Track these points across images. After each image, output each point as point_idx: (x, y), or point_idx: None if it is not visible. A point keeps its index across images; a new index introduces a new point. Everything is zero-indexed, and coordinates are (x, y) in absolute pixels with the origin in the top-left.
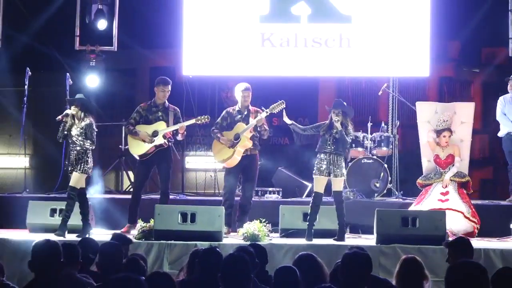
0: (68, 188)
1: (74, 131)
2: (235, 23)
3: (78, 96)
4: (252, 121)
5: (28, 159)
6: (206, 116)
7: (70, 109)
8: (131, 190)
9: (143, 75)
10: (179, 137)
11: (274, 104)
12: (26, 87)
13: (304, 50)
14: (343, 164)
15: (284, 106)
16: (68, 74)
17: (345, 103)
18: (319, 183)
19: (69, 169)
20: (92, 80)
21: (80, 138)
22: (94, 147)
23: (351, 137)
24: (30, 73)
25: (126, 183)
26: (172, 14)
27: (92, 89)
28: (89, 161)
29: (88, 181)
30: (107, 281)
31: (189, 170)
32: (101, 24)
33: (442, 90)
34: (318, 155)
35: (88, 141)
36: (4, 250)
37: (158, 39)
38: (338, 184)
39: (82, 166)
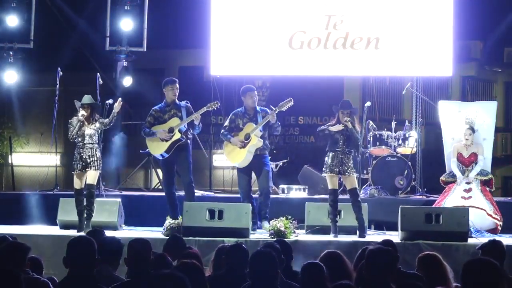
0: (89, 186)
1: (88, 132)
2: (262, 24)
3: (86, 98)
4: (262, 120)
5: (59, 157)
6: (215, 102)
7: (79, 110)
8: (160, 187)
9: (172, 75)
10: (196, 130)
11: (282, 102)
12: (57, 86)
13: (331, 51)
14: (352, 161)
15: (292, 104)
16: (98, 74)
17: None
18: (331, 181)
19: (79, 167)
20: (127, 81)
21: (94, 138)
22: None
23: (360, 135)
24: (61, 73)
25: (155, 181)
26: (200, 14)
27: (123, 88)
28: (100, 158)
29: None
30: (151, 277)
31: (217, 168)
32: (129, 25)
33: (465, 89)
34: (327, 154)
35: (100, 141)
36: (35, 246)
37: (186, 40)
38: (351, 181)
39: (98, 164)
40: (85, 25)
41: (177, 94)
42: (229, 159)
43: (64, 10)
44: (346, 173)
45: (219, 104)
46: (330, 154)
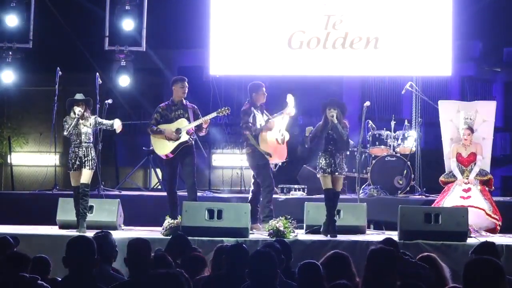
0: (83, 185)
1: (83, 130)
2: (261, 23)
3: (79, 95)
4: (286, 116)
5: (58, 157)
6: (226, 108)
7: (73, 108)
8: (159, 187)
9: (171, 75)
10: (203, 133)
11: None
12: (56, 86)
13: (330, 50)
14: (343, 162)
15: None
16: (97, 74)
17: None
18: (325, 181)
19: (74, 167)
20: (124, 80)
21: (90, 137)
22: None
23: (346, 130)
24: (60, 73)
25: (154, 181)
26: (199, 14)
27: (122, 88)
28: (95, 158)
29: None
30: (148, 277)
31: (216, 167)
32: (128, 25)
33: (464, 89)
34: (320, 154)
35: (99, 140)
36: (35, 246)
37: (185, 39)
38: (339, 183)
39: (92, 163)
40: (84, 25)
41: (186, 92)
42: (277, 156)
43: (63, 10)
44: (335, 174)
45: (229, 110)
46: (321, 155)
